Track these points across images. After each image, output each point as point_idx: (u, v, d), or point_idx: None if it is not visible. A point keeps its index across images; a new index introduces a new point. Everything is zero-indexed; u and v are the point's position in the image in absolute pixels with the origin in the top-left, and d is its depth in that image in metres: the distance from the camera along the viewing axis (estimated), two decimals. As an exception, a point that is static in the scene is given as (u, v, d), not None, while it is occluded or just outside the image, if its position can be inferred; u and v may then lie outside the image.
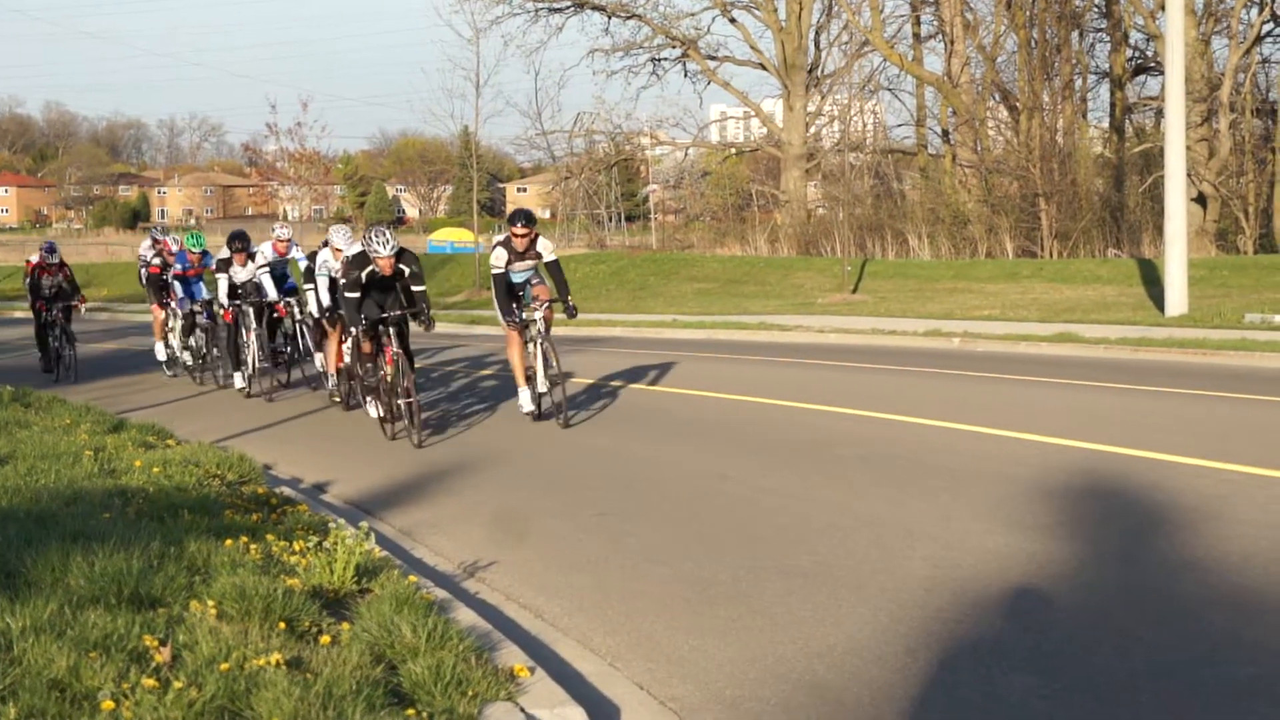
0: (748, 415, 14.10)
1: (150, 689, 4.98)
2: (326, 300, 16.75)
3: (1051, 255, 36.26)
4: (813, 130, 45.49)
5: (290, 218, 75.10)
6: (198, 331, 20.40)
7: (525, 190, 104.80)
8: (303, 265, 18.31)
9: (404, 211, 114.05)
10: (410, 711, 5.13)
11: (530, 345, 13.96)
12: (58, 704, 4.92)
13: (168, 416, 14.80)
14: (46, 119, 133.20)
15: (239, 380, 18.19)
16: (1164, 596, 7.00)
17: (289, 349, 18.75)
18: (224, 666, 5.23)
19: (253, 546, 7.40)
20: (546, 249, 13.88)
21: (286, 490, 10.33)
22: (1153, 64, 40.69)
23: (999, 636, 6.54)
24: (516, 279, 13.90)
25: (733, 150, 52.61)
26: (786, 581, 7.70)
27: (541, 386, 13.90)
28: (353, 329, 13.73)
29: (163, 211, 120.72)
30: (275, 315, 18.28)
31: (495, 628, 6.56)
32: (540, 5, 44.30)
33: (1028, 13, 40.25)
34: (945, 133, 43.27)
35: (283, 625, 5.97)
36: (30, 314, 23.24)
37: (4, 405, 13.82)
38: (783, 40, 43.47)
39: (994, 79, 41.74)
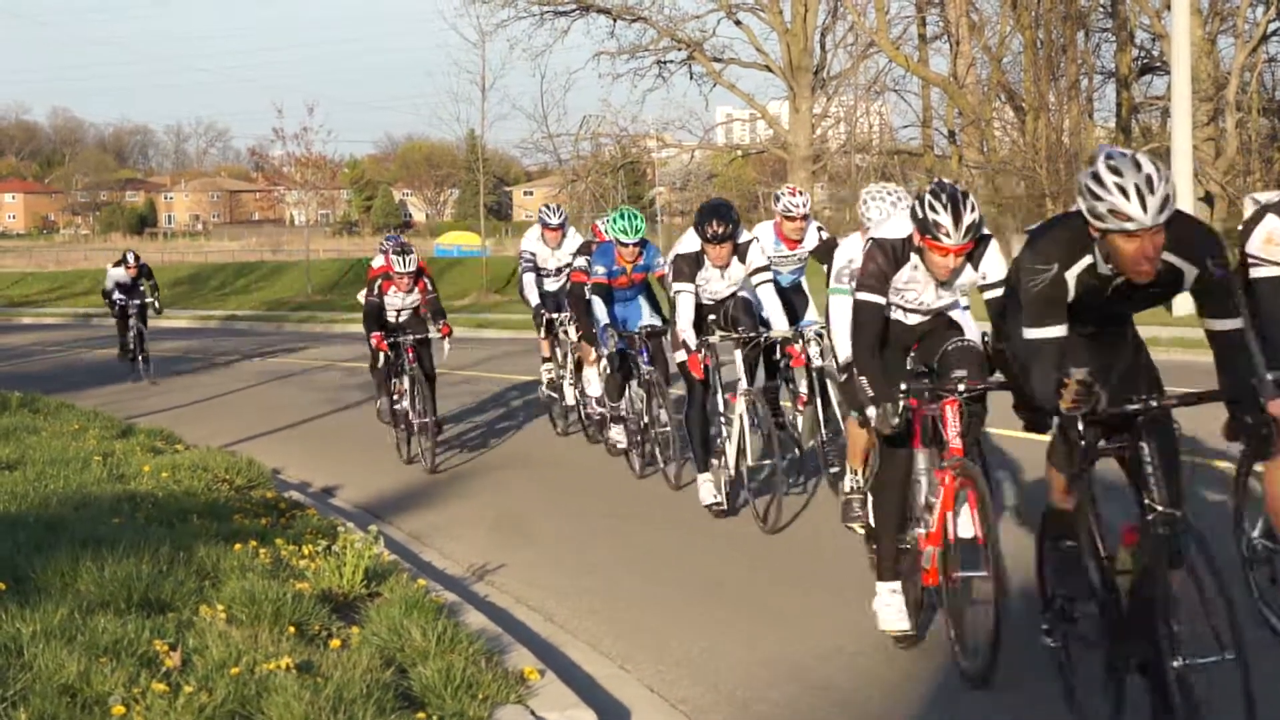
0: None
1: (161, 694, 4.99)
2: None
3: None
4: (819, 132, 45.44)
5: (297, 222, 75.13)
6: (634, 386, 11.34)
7: (531, 194, 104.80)
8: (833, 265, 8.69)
9: (411, 215, 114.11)
10: (421, 715, 5.14)
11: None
12: (68, 709, 4.93)
13: (176, 421, 14.80)
14: (53, 125, 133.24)
15: (708, 490, 9.56)
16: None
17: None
18: (234, 671, 5.23)
19: (262, 551, 7.41)
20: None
21: (295, 494, 10.35)
22: (1159, 64, 40.61)
23: (1008, 635, 6.53)
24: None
25: (739, 152, 52.54)
26: (795, 582, 7.70)
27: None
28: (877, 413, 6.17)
29: (169, 217, 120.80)
30: (780, 362, 10.44)
31: (505, 631, 6.56)
32: (546, 9, 44.27)
33: (1033, 13, 40.20)
34: (951, 134, 43.24)
35: (292, 629, 5.98)
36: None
37: (12, 411, 13.83)
38: (788, 42, 43.44)
39: (1000, 80, 41.69)
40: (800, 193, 10.36)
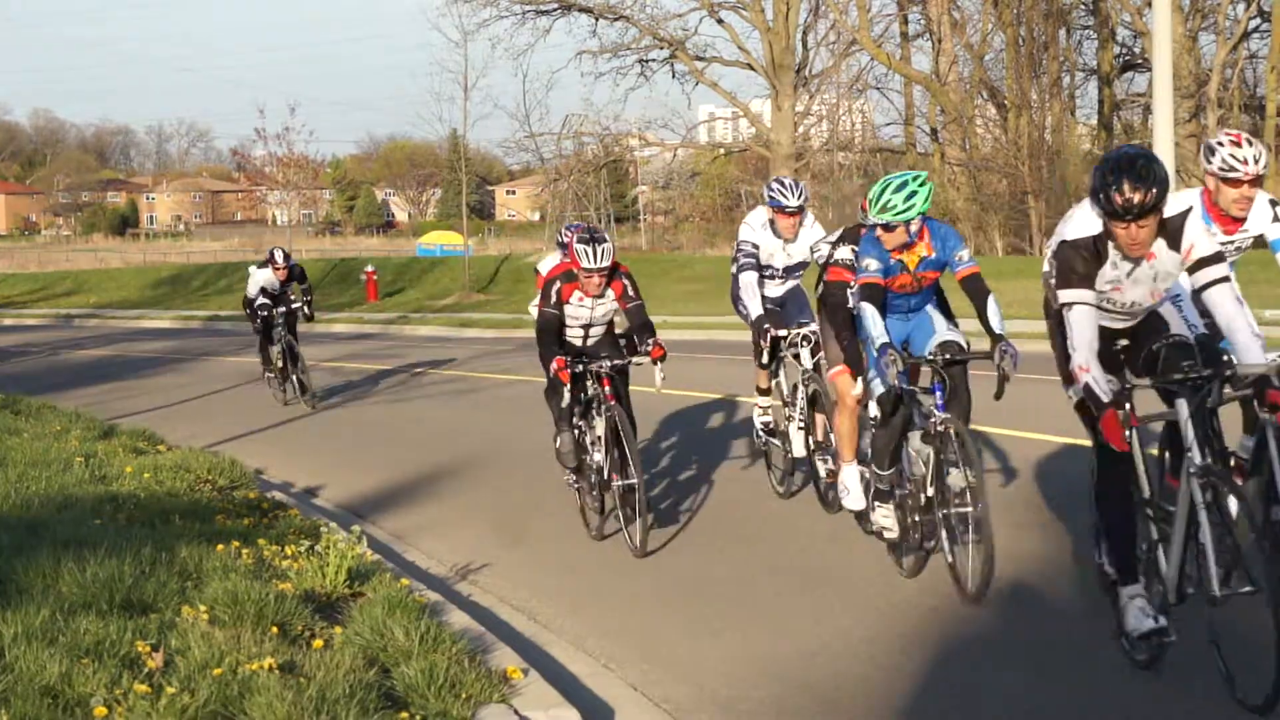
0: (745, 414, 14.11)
1: (143, 695, 4.98)
2: None
3: (1041, 252, 36.35)
4: (801, 130, 45.49)
5: (279, 223, 75.00)
6: (913, 439, 7.65)
7: (514, 193, 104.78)
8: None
9: (393, 215, 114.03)
10: (404, 715, 5.13)
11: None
12: (50, 711, 4.91)
13: (158, 422, 14.74)
14: (34, 126, 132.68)
15: (1138, 615, 5.79)
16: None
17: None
18: (217, 671, 5.22)
19: (244, 551, 7.39)
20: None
21: (278, 495, 10.32)
22: (1140, 60, 40.76)
23: (991, 634, 6.55)
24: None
25: (721, 151, 52.58)
26: (779, 582, 7.70)
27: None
28: None
29: (151, 218, 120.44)
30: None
31: (488, 630, 6.55)
32: (528, 8, 44.25)
33: (1015, 10, 40.31)
34: (934, 131, 43.33)
35: (275, 629, 5.97)
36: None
37: (-6, 413, 13.78)
38: (770, 40, 43.47)
39: (982, 77, 41.80)
40: (1250, 142, 6.73)
